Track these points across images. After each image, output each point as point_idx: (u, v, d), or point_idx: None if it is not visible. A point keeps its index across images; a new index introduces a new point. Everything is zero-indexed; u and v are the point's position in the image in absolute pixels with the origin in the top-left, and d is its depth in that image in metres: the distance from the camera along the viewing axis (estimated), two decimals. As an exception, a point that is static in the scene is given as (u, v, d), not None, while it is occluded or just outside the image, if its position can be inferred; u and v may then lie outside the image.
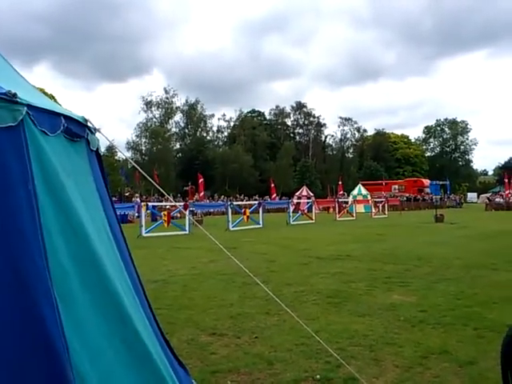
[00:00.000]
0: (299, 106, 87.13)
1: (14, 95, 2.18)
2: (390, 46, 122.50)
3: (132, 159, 65.63)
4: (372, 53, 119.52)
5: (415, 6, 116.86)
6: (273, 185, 45.75)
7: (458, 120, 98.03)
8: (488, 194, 60.78)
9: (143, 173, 3.59)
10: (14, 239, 2.16)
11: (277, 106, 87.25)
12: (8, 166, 2.19)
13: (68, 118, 2.63)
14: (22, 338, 2.14)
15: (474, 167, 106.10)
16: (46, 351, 2.15)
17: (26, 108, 2.26)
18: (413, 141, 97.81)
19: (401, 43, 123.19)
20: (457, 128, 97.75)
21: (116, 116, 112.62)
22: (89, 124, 2.91)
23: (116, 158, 59.45)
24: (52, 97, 42.30)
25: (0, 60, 2.86)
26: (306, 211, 30.44)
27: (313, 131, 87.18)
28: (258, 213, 25.20)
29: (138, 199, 33.38)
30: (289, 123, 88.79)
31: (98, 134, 3.11)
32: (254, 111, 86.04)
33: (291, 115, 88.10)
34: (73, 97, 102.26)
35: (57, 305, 2.22)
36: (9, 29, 75.72)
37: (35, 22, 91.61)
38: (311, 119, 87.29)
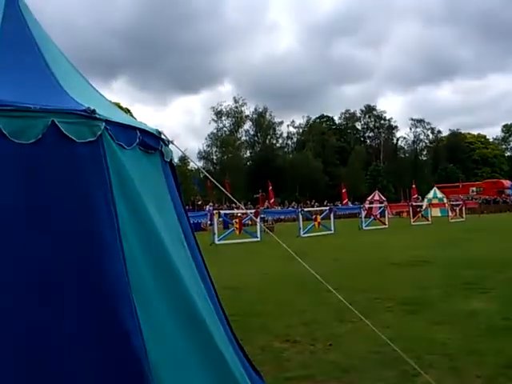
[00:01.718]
0: (369, 109, 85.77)
1: (93, 111, 2.31)
2: (466, 42, 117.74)
3: (203, 169, 67.03)
4: (447, 50, 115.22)
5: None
6: (344, 190, 45.23)
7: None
8: None
9: (214, 182, 3.68)
10: (96, 244, 2.31)
11: (346, 110, 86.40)
12: (89, 177, 2.32)
13: (143, 132, 2.75)
14: (102, 341, 2.24)
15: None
16: (125, 353, 2.24)
17: (104, 123, 2.38)
18: (491, 140, 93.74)
19: (477, 38, 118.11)
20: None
21: (188, 127, 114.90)
22: (162, 136, 3.02)
23: (189, 167, 60.96)
24: (128, 110, 44.06)
25: (79, 78, 3.03)
26: (378, 216, 29.84)
27: (383, 134, 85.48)
28: (330, 219, 24.99)
29: (211, 207, 33.97)
30: (359, 127, 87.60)
31: (171, 146, 3.22)
32: (322, 116, 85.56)
33: (361, 119, 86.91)
34: (147, 110, 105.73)
35: (136, 309, 2.32)
36: (89, 46, 79.42)
37: (113, 38, 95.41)
38: (382, 122, 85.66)
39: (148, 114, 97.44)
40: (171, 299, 2.56)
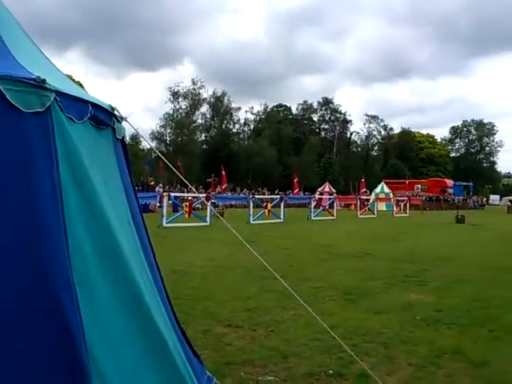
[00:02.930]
0: (326, 102, 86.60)
1: (43, 81, 2.22)
2: (424, 44, 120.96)
3: (156, 149, 66.12)
4: (406, 50, 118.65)
5: (452, 3, 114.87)
6: (296, 180, 45.69)
7: (485, 121, 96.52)
8: (511, 197, 59.75)
9: (167, 162, 3.65)
10: (36, 225, 2.19)
11: (304, 101, 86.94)
12: (34, 150, 2.21)
13: (95, 106, 2.67)
14: (42, 326, 2.17)
15: (499, 169, 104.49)
16: (64, 341, 2.18)
17: (54, 94, 2.29)
18: (439, 141, 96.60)
19: (436, 41, 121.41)
20: (483, 129, 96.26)
21: (144, 105, 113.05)
22: (116, 112, 2.94)
23: (140, 147, 59.90)
24: (80, 84, 42.78)
25: (30, 46, 2.91)
26: (327, 207, 30.31)
27: (338, 127, 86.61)
28: (280, 207, 25.20)
29: (161, 189, 33.62)
30: (315, 119, 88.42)
31: (124, 123, 3.15)
32: (280, 105, 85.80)
33: (318, 111, 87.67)
34: (102, 84, 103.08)
35: (76, 293, 2.25)
36: (42, 14, 76.31)
37: (68, 8, 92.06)
38: (337, 115, 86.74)
39: (102, 89, 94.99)
40: (115, 282, 2.50)
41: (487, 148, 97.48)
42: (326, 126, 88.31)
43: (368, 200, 35.44)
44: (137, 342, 2.55)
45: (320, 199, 32.72)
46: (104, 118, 2.78)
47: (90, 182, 2.47)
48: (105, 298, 2.44)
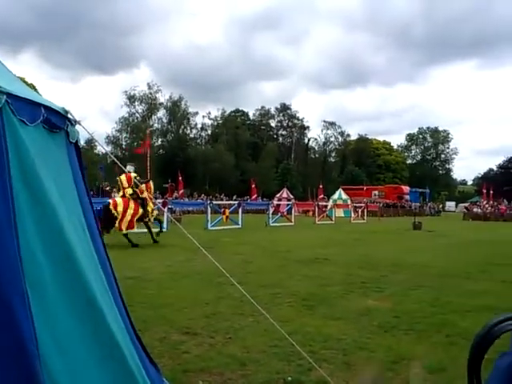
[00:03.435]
0: (283, 108, 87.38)
1: (-7, 83, 2.15)
2: (380, 51, 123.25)
3: (112, 154, 65.10)
4: (363, 57, 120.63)
5: (408, 12, 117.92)
6: (254, 185, 45.73)
7: (440, 129, 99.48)
8: (466, 204, 61.61)
9: (122, 167, 3.56)
10: None
11: (262, 107, 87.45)
12: None
13: (48, 109, 2.60)
14: None
15: (454, 176, 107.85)
16: (16, 347, 2.11)
17: (5, 96, 2.22)
18: (395, 148, 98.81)
19: (392, 49, 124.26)
20: (438, 137, 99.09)
21: (100, 109, 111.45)
22: (69, 116, 2.87)
23: (95, 151, 58.92)
24: (32, 86, 41.73)
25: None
26: (285, 213, 30.47)
27: (296, 134, 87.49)
28: (238, 213, 25.18)
29: (117, 194, 33.09)
30: (273, 124, 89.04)
31: (78, 127, 3.07)
32: (238, 111, 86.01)
33: (275, 116, 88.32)
34: (58, 87, 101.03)
35: (28, 297, 2.19)
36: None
37: (22, 9, 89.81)
38: (295, 121, 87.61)
39: (56, 92, 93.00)
40: (68, 289, 2.44)
41: (442, 155, 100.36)
42: (284, 132, 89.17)
43: (326, 206, 35.83)
44: (90, 347, 2.49)
45: (278, 205, 32.83)
46: (57, 121, 2.70)
47: (42, 185, 2.41)
48: (58, 302, 2.37)
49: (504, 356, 0.80)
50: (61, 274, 2.41)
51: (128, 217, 14.60)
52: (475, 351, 1.23)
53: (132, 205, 14.77)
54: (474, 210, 52.29)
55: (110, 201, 14.91)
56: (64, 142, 2.87)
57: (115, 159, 4.25)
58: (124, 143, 70.27)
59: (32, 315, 2.18)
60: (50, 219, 2.42)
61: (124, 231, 14.60)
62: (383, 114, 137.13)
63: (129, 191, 14.83)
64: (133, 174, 14.68)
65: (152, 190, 16.37)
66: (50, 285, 2.35)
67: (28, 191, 2.33)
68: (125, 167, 3.48)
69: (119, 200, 14.82)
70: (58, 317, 2.36)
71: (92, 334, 2.51)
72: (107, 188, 38.89)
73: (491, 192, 54.63)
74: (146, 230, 15.62)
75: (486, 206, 51.98)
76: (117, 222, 14.41)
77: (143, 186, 15.15)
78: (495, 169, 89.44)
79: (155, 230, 15.89)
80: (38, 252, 2.32)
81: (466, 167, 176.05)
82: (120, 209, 14.46)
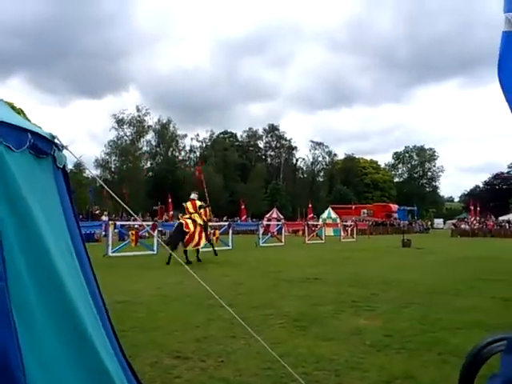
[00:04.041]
0: (271, 129, 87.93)
1: (-21, 109, 2.15)
2: (365, 72, 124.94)
3: (101, 177, 64.90)
4: (348, 78, 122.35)
5: (391, 34, 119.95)
6: (243, 206, 45.76)
7: (426, 147, 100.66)
8: (454, 221, 61.97)
9: (109, 190, 3.55)
10: None
11: (250, 128, 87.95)
12: None
13: (35, 134, 2.60)
14: None
15: (441, 194, 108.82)
16: (2, 371, 2.08)
17: (-9, 123, 2.23)
18: (382, 166, 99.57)
19: (377, 70, 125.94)
20: (424, 155, 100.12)
21: (89, 132, 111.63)
22: (56, 141, 2.87)
23: (84, 175, 58.68)
24: (21, 111, 41.60)
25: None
26: (275, 233, 30.44)
27: (284, 154, 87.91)
28: (228, 234, 25.09)
29: (106, 218, 32.90)
30: (261, 145, 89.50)
31: (65, 152, 3.07)
32: (226, 132, 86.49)
33: (263, 137, 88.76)
34: (46, 111, 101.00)
35: (15, 324, 2.17)
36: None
37: (11, 35, 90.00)
38: (283, 142, 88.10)
39: (45, 116, 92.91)
40: (55, 314, 2.42)
41: (429, 173, 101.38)
42: (272, 153, 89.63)
43: (316, 226, 35.86)
44: (78, 375, 2.45)
45: (268, 225, 32.83)
46: (44, 146, 2.70)
47: (29, 211, 2.40)
48: (44, 327, 2.35)
49: (494, 378, 0.81)
50: (49, 301, 2.40)
51: (196, 237, 16.65)
52: (466, 372, 1.24)
53: (198, 227, 16.79)
54: (462, 226, 52.65)
55: (183, 221, 16.92)
56: (51, 168, 2.87)
57: (102, 183, 4.25)
58: (113, 166, 70.18)
59: (18, 339, 2.16)
60: (36, 245, 2.41)
61: (190, 248, 16.55)
62: (369, 133, 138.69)
63: (196, 217, 16.96)
64: (198, 202, 17.30)
65: (208, 215, 18.37)
66: (37, 312, 2.33)
67: (14, 216, 2.33)
68: (112, 191, 3.47)
69: (189, 221, 16.76)
70: (45, 341, 2.34)
71: (80, 360, 2.48)
72: (97, 212, 38.64)
73: (478, 208, 55.06)
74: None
75: (474, 222, 52.34)
76: (186, 240, 16.44)
77: (202, 210, 17.22)
78: (481, 185, 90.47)
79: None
80: (26, 281, 2.31)
81: (452, 184, 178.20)
82: (190, 229, 16.47)
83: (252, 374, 4.80)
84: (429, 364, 5.11)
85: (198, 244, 16.78)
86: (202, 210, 17.13)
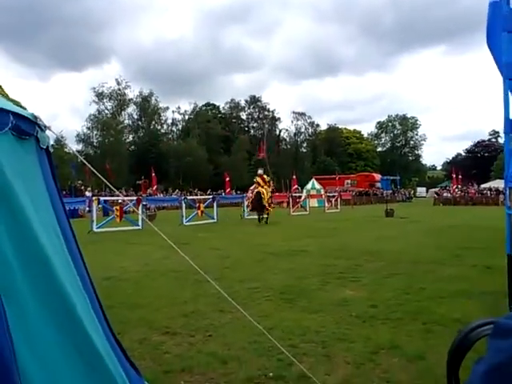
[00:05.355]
0: (254, 100, 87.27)
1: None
2: (351, 41, 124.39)
3: (83, 152, 64.19)
4: (333, 47, 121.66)
5: (376, 2, 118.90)
6: (227, 179, 45.64)
7: (408, 116, 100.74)
8: (436, 189, 62.57)
9: (90, 167, 3.50)
10: None
11: (232, 100, 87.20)
12: None
13: (17, 116, 2.55)
14: None
15: (424, 162, 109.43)
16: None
17: (-29, 105, 2.18)
18: (365, 136, 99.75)
19: (362, 38, 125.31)
20: (407, 124, 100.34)
21: (71, 107, 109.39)
22: (39, 121, 2.82)
23: (66, 150, 57.97)
24: (-1, 87, 40.74)
25: None
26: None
27: (267, 125, 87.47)
28: (213, 207, 25.13)
29: (90, 193, 32.68)
30: (244, 117, 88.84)
31: (48, 131, 3.02)
32: (208, 104, 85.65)
33: (246, 109, 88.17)
34: (26, 85, 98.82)
35: (3, 307, 2.15)
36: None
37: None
38: (266, 113, 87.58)
39: (25, 91, 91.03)
40: (43, 293, 2.40)
41: (412, 142, 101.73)
42: (255, 124, 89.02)
43: (300, 197, 35.99)
44: (69, 355, 2.45)
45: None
46: (26, 127, 2.64)
47: (13, 192, 2.37)
48: (34, 309, 2.33)
49: (481, 361, 0.83)
50: (35, 279, 2.38)
51: (267, 205, 22.57)
52: (453, 356, 1.26)
53: (269, 195, 22.96)
54: (444, 194, 53.19)
55: (260, 190, 22.45)
56: (34, 149, 2.82)
57: (83, 159, 4.20)
58: (95, 140, 69.31)
59: (8, 326, 2.15)
60: (21, 225, 2.39)
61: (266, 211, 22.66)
62: (354, 102, 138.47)
63: (267, 189, 22.94)
64: (265, 177, 23.62)
65: (271, 186, 24.65)
66: (24, 291, 2.31)
67: (-2, 198, 2.29)
68: (95, 166, 3.46)
69: (264, 190, 22.51)
70: (35, 323, 2.33)
71: (71, 341, 2.48)
72: (81, 187, 38.36)
73: (460, 176, 55.59)
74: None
75: (456, 190, 52.89)
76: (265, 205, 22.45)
77: (269, 183, 23.57)
78: (463, 153, 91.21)
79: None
80: (10, 259, 2.28)
81: (435, 153, 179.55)
82: (265, 197, 22.39)
83: (240, 347, 4.87)
84: (414, 333, 5.22)
85: (267, 210, 22.44)
86: (270, 183, 23.42)
